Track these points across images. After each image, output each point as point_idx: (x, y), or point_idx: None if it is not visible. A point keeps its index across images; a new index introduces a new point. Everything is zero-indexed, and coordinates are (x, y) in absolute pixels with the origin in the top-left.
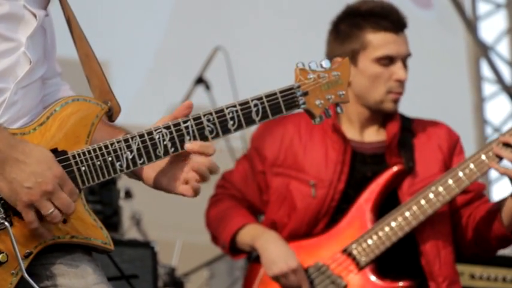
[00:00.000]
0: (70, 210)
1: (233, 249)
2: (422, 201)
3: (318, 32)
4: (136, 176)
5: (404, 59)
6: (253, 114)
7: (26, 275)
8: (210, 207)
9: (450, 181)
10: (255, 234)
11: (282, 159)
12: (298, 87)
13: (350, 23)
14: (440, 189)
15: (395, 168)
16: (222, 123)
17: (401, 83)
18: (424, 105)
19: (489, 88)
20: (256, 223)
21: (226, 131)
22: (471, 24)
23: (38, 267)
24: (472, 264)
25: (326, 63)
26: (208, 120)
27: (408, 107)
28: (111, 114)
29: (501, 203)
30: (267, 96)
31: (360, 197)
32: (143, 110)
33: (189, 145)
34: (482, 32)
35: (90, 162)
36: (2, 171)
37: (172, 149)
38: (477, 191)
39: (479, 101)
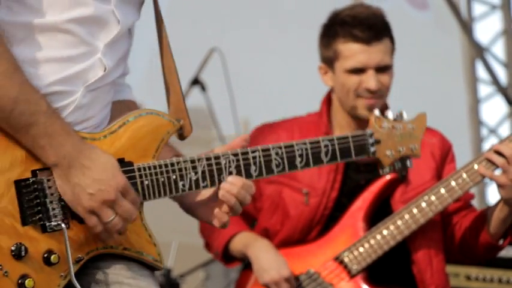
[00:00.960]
0: (132, 217)
1: (226, 256)
2: (415, 211)
3: (314, 33)
4: (178, 199)
5: (378, 68)
6: (323, 155)
7: (74, 281)
8: None
9: (443, 190)
10: (247, 242)
11: None
12: (371, 135)
13: (329, 30)
14: (433, 198)
15: (388, 177)
16: (289, 158)
17: (371, 91)
18: (419, 106)
19: (484, 89)
20: (248, 231)
21: (292, 167)
22: (466, 26)
23: (91, 270)
24: (468, 266)
25: (403, 115)
26: (277, 154)
27: (403, 108)
28: (181, 133)
29: (488, 212)
30: (338, 139)
31: (352, 205)
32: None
33: (231, 179)
34: (477, 33)
35: (154, 177)
36: (68, 175)
37: None
38: (466, 200)
39: (475, 102)
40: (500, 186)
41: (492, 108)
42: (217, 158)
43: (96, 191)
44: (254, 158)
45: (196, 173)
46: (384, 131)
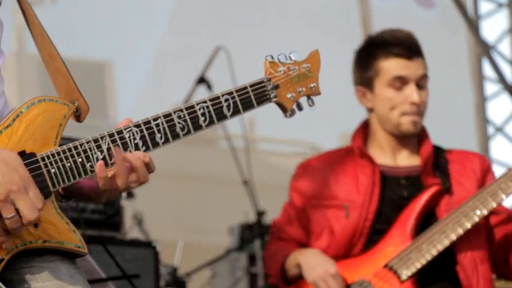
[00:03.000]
0: (33, 215)
1: (285, 280)
2: (460, 216)
3: (319, 31)
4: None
5: (419, 81)
6: (225, 110)
7: None
8: (264, 253)
9: (486, 195)
10: (297, 254)
11: (318, 192)
12: (269, 80)
13: (366, 53)
14: (477, 203)
15: (434, 189)
16: (193, 119)
17: (416, 105)
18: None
19: (491, 87)
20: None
21: (197, 127)
22: (473, 24)
23: (9, 273)
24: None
25: (295, 56)
26: (179, 117)
27: None
28: (78, 114)
29: None
30: (237, 91)
31: (399, 217)
32: (145, 109)
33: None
34: (484, 31)
35: (60, 163)
36: None
37: (144, 148)
38: (509, 213)
39: (481, 100)
40: None
41: (498, 106)
42: (120, 132)
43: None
44: (157, 125)
45: (102, 151)
46: (280, 75)
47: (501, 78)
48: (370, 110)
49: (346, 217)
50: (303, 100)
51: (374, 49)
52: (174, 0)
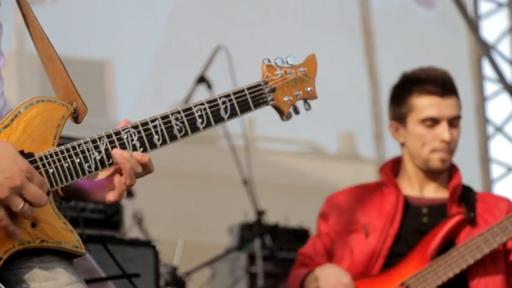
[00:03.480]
0: (43, 201)
1: None
2: (480, 242)
3: (319, 31)
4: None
5: (451, 120)
6: (222, 112)
7: None
8: (288, 277)
9: (507, 223)
10: (317, 269)
11: (344, 220)
12: (266, 83)
13: (401, 89)
14: (498, 231)
15: (458, 217)
16: (190, 121)
17: (446, 143)
18: None
19: (491, 87)
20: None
21: (195, 129)
22: (473, 24)
23: (6, 273)
24: None
25: (292, 60)
26: (177, 119)
27: None
28: (76, 115)
29: None
30: (234, 93)
31: (421, 241)
32: (145, 109)
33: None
34: (484, 31)
35: (58, 164)
36: None
37: (141, 149)
38: None
39: (481, 100)
40: None
41: (498, 106)
42: (117, 133)
43: (1, 180)
44: (155, 127)
45: (99, 152)
46: (277, 78)
47: (501, 78)
48: (402, 145)
49: (365, 237)
50: (300, 104)
51: (408, 85)
52: (174, 0)
